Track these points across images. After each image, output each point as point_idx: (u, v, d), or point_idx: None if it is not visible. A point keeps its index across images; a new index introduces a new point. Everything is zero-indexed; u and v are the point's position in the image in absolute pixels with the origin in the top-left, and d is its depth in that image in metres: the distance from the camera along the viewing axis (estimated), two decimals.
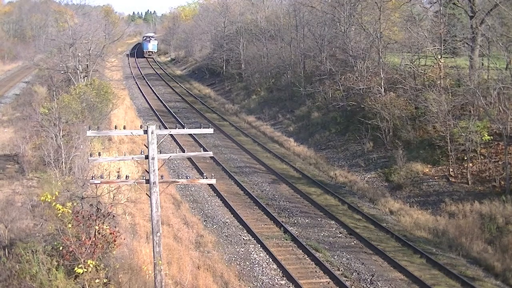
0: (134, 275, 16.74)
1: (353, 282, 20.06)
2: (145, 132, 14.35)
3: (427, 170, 30.77)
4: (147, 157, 14.38)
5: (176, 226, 24.30)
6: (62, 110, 30.65)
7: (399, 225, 26.09)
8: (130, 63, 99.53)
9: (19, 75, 74.10)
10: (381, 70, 38.70)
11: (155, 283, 14.66)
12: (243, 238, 24.02)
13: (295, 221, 26.23)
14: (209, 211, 27.32)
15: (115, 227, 17.82)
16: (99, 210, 16.52)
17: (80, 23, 58.51)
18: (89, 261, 14.88)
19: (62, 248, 15.81)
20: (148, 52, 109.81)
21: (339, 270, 21.01)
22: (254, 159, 36.83)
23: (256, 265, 21.33)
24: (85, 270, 14.81)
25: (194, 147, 38.63)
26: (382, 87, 37.65)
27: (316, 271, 20.91)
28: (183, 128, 15.37)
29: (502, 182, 27.21)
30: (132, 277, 16.59)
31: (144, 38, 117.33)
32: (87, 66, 45.00)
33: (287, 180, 32.01)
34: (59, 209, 15.16)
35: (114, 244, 16.08)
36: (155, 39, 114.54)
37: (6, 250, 17.48)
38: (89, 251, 15.19)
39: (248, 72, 61.93)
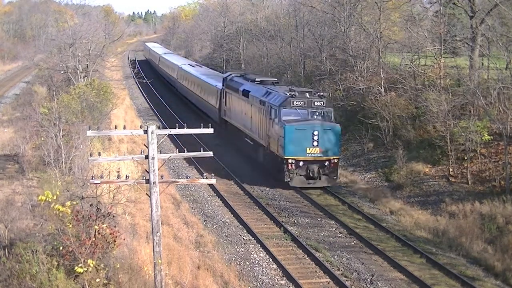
0: (134, 275, 16.74)
1: (353, 282, 20.04)
2: (145, 132, 14.37)
3: (427, 170, 30.77)
4: (147, 157, 14.40)
5: (176, 226, 24.30)
6: (62, 110, 30.64)
7: (399, 225, 26.07)
8: None
9: (19, 75, 74.11)
10: (381, 70, 38.71)
11: (155, 283, 14.67)
12: (243, 238, 24.01)
13: (295, 221, 26.20)
14: (209, 211, 27.31)
15: (115, 227, 17.82)
16: (99, 210, 16.53)
17: (80, 23, 58.43)
18: (89, 261, 14.88)
19: (62, 248, 15.82)
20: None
21: (339, 270, 21.00)
22: (255, 158, 36.73)
23: (256, 265, 21.33)
24: (85, 270, 14.82)
25: (194, 146, 38.54)
26: (382, 87, 37.66)
27: (316, 271, 20.90)
28: (183, 128, 15.35)
29: (502, 182, 27.21)
30: (132, 277, 16.59)
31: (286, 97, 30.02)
32: (87, 66, 44.97)
33: None
34: (58, 210, 15.16)
35: (114, 244, 16.09)
36: (322, 96, 30.19)
37: (6, 250, 17.48)
38: (89, 251, 15.20)
39: (248, 72, 61.91)
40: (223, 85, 39.74)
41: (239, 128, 36.08)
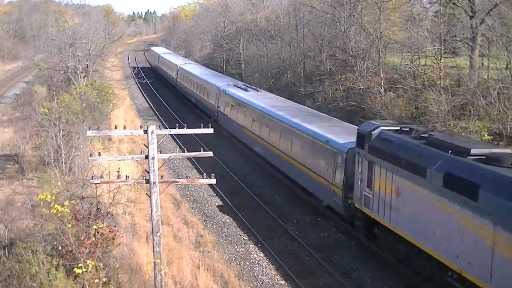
0: (134, 275, 16.77)
1: (353, 282, 20.04)
2: (145, 132, 14.39)
3: None
4: (147, 157, 14.42)
5: (176, 226, 24.31)
6: (62, 110, 30.68)
7: None
8: None
9: (19, 75, 74.15)
10: (381, 70, 38.72)
11: (155, 283, 14.69)
12: (243, 238, 24.03)
13: (295, 220, 26.19)
14: (209, 211, 27.32)
15: (115, 226, 17.86)
16: (99, 210, 16.57)
17: (80, 23, 58.48)
18: (88, 261, 14.91)
19: (62, 248, 15.85)
20: None
21: (339, 270, 20.99)
22: (255, 158, 36.78)
23: (256, 265, 21.34)
24: (85, 270, 14.84)
25: (194, 146, 38.55)
26: (382, 87, 37.66)
27: (316, 271, 20.90)
28: (183, 128, 15.37)
29: None
30: (132, 277, 16.62)
31: None
32: (87, 66, 45.02)
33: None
34: (57, 209, 15.19)
35: (113, 243, 16.11)
36: None
37: (6, 250, 17.52)
38: (88, 251, 15.22)
39: (248, 72, 61.91)
40: (360, 146, 21.27)
41: (425, 250, 17.52)
